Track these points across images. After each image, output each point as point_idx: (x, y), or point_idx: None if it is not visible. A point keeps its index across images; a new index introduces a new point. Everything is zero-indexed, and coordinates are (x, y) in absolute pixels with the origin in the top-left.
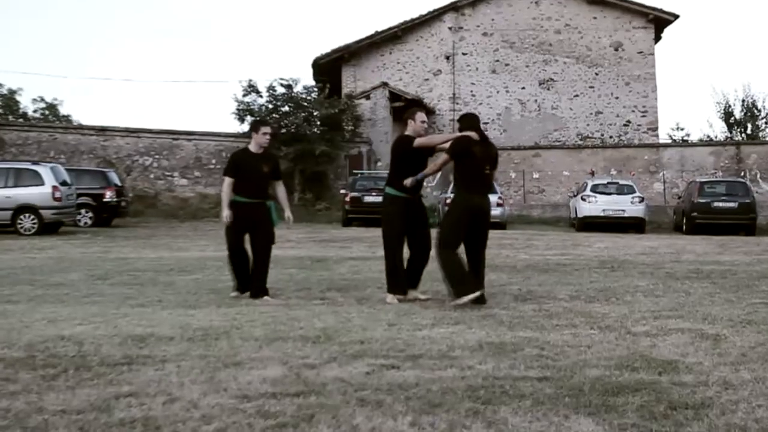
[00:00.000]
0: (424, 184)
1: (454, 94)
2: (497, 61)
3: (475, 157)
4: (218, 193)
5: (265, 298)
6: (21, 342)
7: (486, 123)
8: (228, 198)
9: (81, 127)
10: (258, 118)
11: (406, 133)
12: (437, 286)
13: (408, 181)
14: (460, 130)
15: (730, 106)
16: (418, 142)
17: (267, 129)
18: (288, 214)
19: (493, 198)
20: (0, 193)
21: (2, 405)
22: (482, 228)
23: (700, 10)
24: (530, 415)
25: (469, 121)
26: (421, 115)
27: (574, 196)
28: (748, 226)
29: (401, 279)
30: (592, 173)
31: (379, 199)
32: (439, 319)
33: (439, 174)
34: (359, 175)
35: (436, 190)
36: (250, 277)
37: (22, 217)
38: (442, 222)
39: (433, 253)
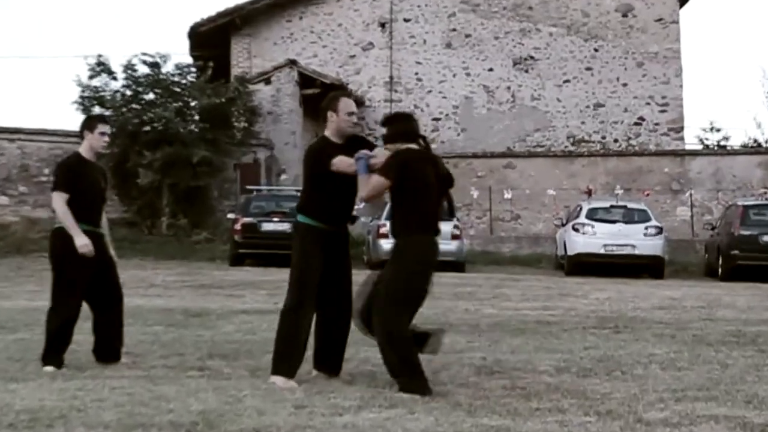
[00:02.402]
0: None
1: (391, 77)
2: (454, 30)
3: (427, 180)
4: (52, 217)
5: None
6: None
7: (437, 119)
8: (72, 218)
9: None
10: (93, 114)
11: (326, 133)
12: (365, 351)
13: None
14: (390, 138)
15: None
16: (337, 165)
17: (105, 128)
18: (112, 251)
19: (446, 227)
20: None
21: None
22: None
23: None
24: None
25: (404, 124)
26: (347, 104)
27: (563, 224)
28: None
29: (300, 353)
30: (589, 192)
31: (283, 226)
32: (367, 400)
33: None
34: (255, 193)
35: (365, 215)
36: (99, 336)
37: None
38: (389, 280)
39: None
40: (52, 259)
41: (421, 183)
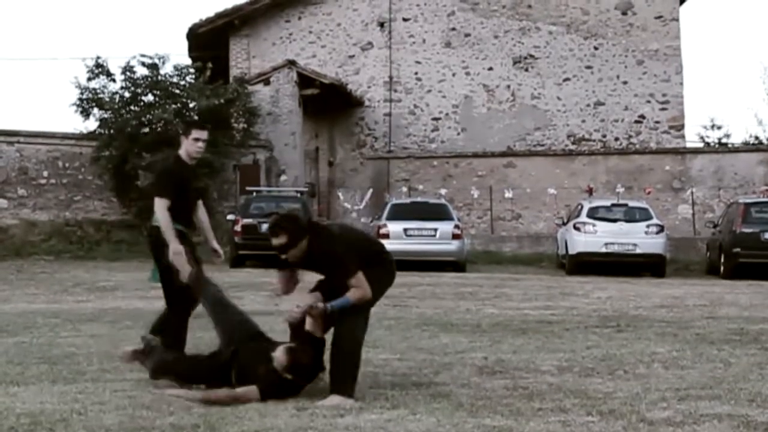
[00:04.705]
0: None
1: (390, 77)
2: (453, 29)
3: None
4: (53, 219)
5: None
6: None
7: (437, 119)
8: (172, 228)
9: None
10: (191, 118)
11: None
12: (366, 352)
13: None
14: (290, 244)
15: None
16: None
17: (200, 134)
18: (215, 245)
19: (446, 227)
20: None
21: None
22: None
23: None
24: None
25: (296, 224)
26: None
27: (564, 224)
28: None
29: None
30: (590, 191)
31: None
32: (369, 401)
33: (370, 192)
34: (254, 194)
35: (365, 216)
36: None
37: None
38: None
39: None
40: (155, 255)
41: None
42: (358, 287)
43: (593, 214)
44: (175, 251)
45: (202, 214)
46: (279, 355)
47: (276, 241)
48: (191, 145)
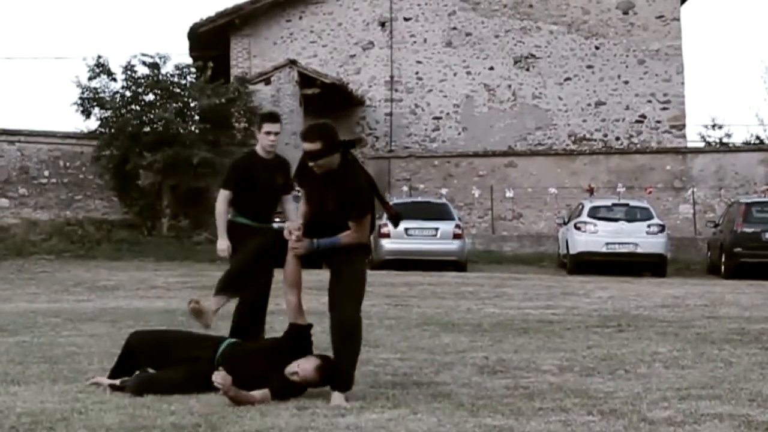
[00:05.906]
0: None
1: (391, 77)
2: (454, 29)
3: None
4: (54, 218)
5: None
6: None
7: (438, 118)
8: (225, 219)
9: None
10: (264, 112)
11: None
12: (366, 352)
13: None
14: (325, 151)
15: None
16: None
17: (270, 126)
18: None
19: (447, 227)
20: None
21: None
22: None
23: None
24: None
25: (333, 134)
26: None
27: (565, 223)
28: None
29: None
30: (591, 191)
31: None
32: (370, 400)
33: None
34: None
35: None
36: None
37: None
38: (357, 280)
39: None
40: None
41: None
42: (359, 230)
43: (594, 213)
44: (219, 248)
45: (290, 209)
46: (308, 371)
47: (310, 146)
48: (264, 139)
